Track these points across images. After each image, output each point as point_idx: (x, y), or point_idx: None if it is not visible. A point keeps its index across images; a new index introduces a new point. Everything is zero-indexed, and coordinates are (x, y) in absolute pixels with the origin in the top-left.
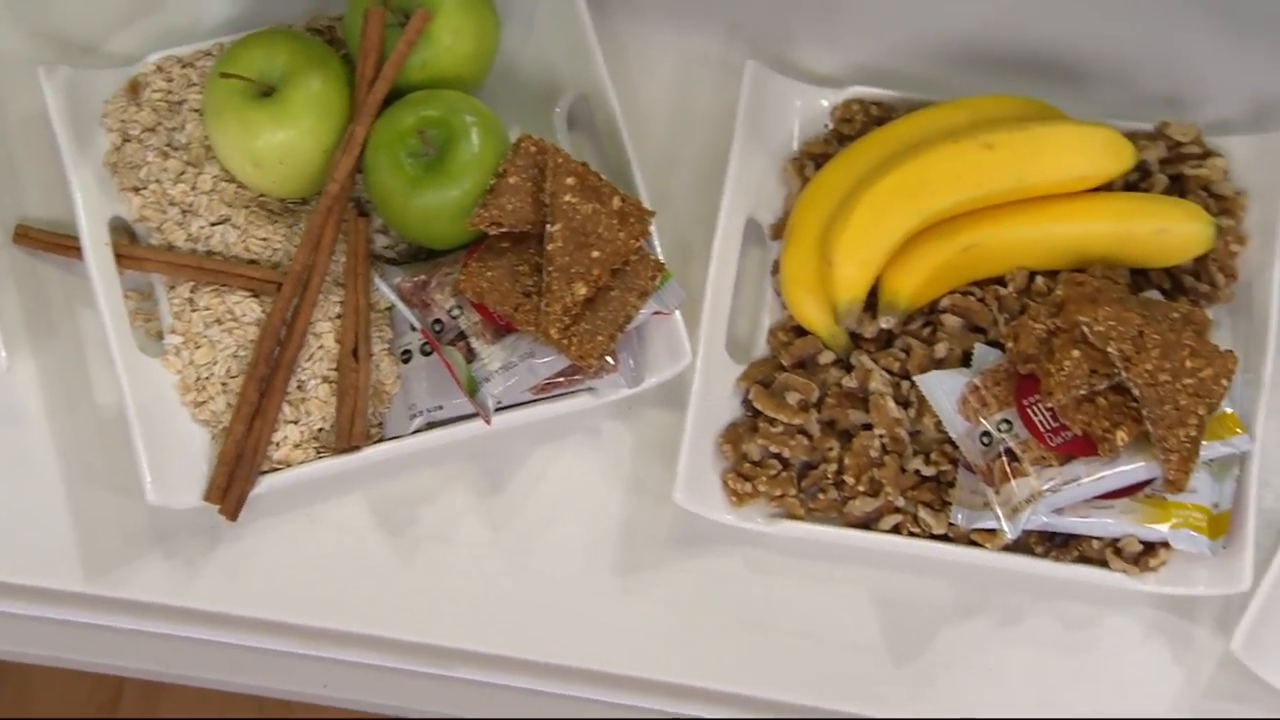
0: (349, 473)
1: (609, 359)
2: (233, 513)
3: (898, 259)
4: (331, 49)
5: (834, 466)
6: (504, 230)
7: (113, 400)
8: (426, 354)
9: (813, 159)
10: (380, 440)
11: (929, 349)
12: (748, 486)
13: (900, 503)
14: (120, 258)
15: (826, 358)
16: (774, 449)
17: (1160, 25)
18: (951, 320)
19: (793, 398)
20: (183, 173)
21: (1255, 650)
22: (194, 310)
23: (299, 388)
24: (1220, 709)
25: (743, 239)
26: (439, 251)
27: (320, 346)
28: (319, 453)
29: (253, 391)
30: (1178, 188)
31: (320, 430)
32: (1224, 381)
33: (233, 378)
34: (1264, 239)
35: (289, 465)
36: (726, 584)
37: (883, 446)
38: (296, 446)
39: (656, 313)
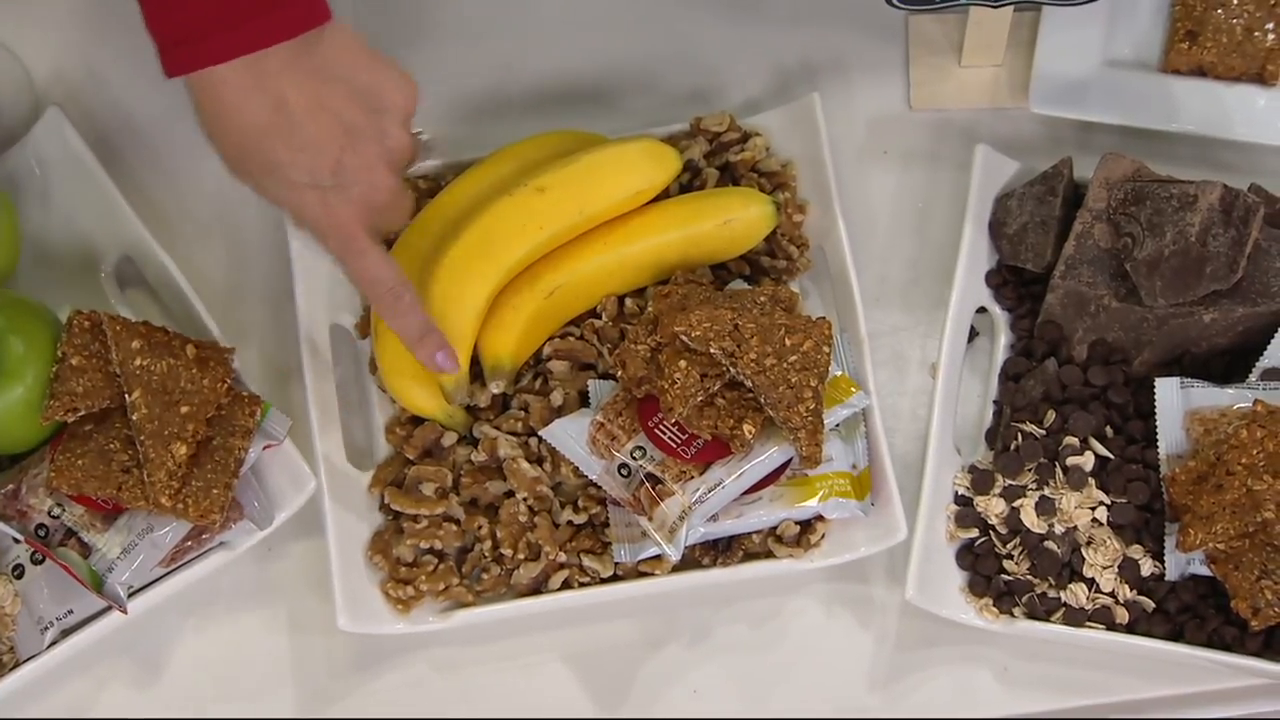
0: None
1: (231, 509)
2: None
3: (489, 322)
4: None
5: (489, 543)
6: (82, 414)
7: None
8: (38, 562)
9: None
10: (15, 666)
11: (545, 400)
12: (409, 590)
13: (562, 558)
14: None
15: (450, 439)
16: (425, 545)
17: (666, 27)
18: (559, 365)
19: (428, 488)
20: None
21: (928, 592)
22: None
23: None
24: (914, 658)
25: (332, 345)
26: (20, 455)
27: None
28: None
29: None
30: (729, 176)
31: None
32: (825, 349)
33: None
34: (821, 201)
35: None
36: (418, 693)
37: (529, 509)
38: None
39: (267, 446)
